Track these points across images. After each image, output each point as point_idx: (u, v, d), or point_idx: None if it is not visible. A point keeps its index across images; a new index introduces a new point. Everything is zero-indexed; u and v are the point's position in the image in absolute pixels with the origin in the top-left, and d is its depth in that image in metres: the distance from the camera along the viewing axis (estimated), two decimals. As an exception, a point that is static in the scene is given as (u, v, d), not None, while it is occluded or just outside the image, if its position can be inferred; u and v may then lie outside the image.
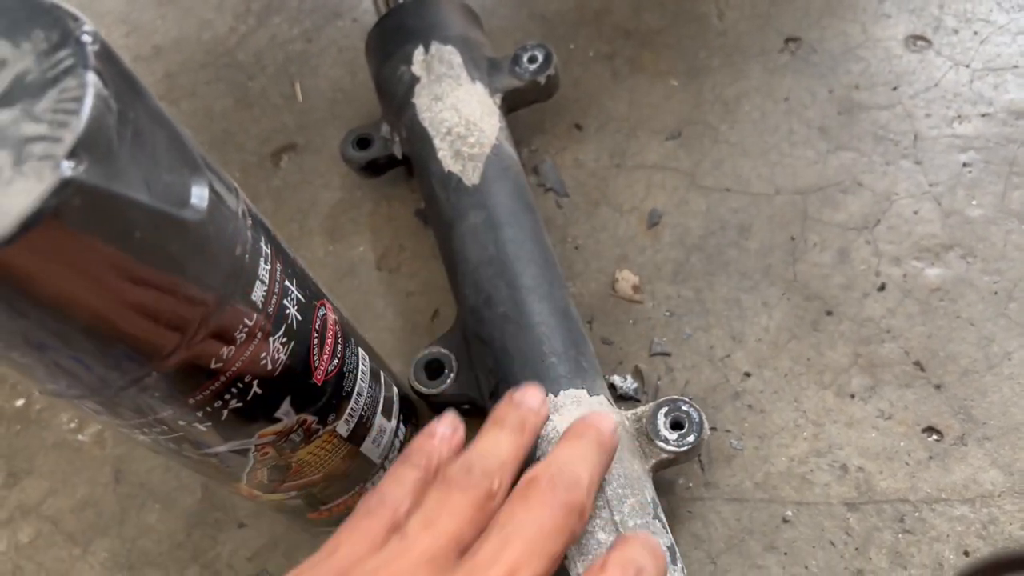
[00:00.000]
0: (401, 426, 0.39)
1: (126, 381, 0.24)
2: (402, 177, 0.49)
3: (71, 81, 0.19)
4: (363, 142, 0.46)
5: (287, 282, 0.28)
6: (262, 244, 0.27)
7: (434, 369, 0.40)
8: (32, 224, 0.18)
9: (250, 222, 0.26)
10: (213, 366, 0.25)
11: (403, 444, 0.40)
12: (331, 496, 0.37)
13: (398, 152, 0.46)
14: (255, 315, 0.26)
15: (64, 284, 0.20)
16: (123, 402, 0.25)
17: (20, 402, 0.47)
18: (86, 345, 0.22)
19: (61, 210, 0.18)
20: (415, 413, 0.42)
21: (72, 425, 0.46)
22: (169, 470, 0.44)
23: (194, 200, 0.23)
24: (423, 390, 0.39)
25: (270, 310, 0.27)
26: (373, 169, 0.47)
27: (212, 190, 0.24)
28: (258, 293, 0.26)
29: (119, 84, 0.20)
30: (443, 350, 0.40)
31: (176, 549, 0.42)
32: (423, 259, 0.46)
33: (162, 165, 0.22)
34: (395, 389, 0.39)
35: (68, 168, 0.18)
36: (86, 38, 0.20)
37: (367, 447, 0.36)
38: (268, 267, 0.27)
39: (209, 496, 0.43)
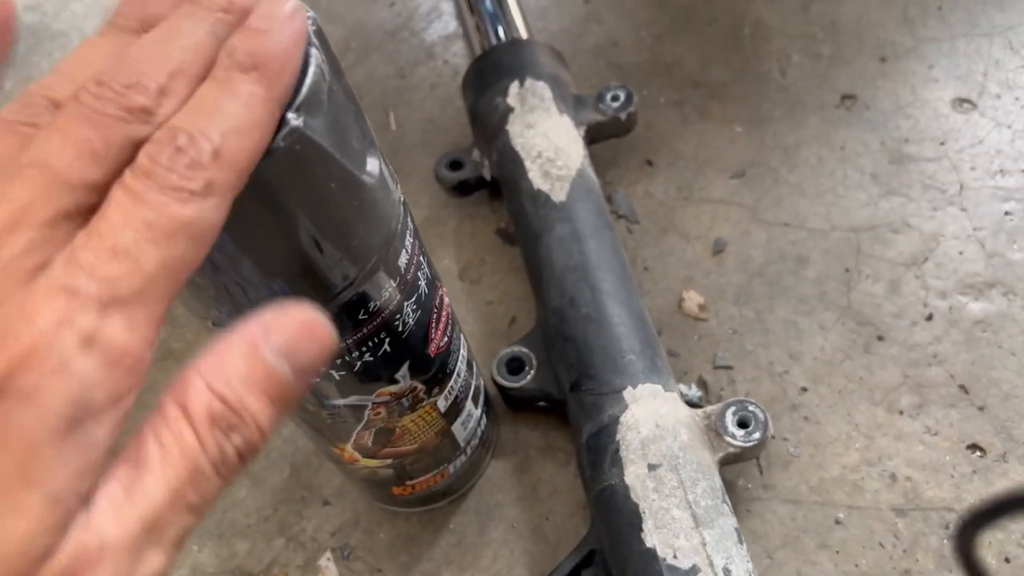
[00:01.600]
0: (484, 417, 0.43)
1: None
2: (485, 199, 0.53)
3: None
4: (455, 164, 0.51)
5: (421, 257, 0.33)
6: (408, 221, 0.31)
7: (515, 366, 0.44)
8: (268, 156, 0.22)
9: (402, 200, 0.31)
10: (361, 317, 0.29)
11: (483, 434, 0.43)
12: (418, 471, 0.40)
13: (487, 174, 0.50)
14: (397, 278, 0.30)
15: (277, 214, 0.24)
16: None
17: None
18: (274, 276, 0.26)
19: (288, 150, 0.22)
20: (494, 409, 0.45)
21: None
22: (259, 450, 0.47)
23: (369, 168, 0.27)
24: (505, 384, 0.43)
25: (408, 277, 0.31)
26: (462, 189, 0.52)
27: (380, 165, 0.28)
28: (402, 260, 0.30)
29: (329, 61, 0.25)
30: (524, 349, 0.44)
31: (263, 522, 0.45)
32: (501, 272, 0.51)
33: (351, 134, 0.26)
34: (482, 380, 0.43)
35: (294, 119, 0.22)
36: (308, 20, 0.25)
37: (456, 427, 0.40)
38: (411, 241, 0.31)
39: (296, 475, 0.46)
